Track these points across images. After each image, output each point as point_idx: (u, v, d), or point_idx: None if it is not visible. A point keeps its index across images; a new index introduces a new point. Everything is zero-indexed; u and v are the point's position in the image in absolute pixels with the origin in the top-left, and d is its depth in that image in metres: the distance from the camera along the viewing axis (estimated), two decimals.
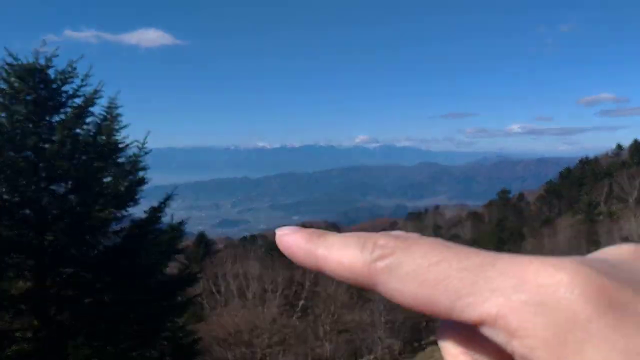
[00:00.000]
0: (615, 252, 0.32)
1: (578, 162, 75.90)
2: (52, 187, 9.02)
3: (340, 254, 0.32)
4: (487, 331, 0.29)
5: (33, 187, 8.68)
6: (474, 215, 75.92)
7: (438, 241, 0.31)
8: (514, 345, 0.28)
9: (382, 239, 0.32)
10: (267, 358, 25.49)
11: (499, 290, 0.28)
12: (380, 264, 0.31)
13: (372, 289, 0.32)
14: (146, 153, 9.72)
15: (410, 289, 0.30)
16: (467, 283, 0.29)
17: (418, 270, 0.30)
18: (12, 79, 8.76)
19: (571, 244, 39.02)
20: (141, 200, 9.78)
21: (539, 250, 41.25)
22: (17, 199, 8.64)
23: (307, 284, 36.91)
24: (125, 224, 9.73)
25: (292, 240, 0.34)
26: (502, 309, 0.28)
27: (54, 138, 8.93)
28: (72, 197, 9.06)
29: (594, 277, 0.28)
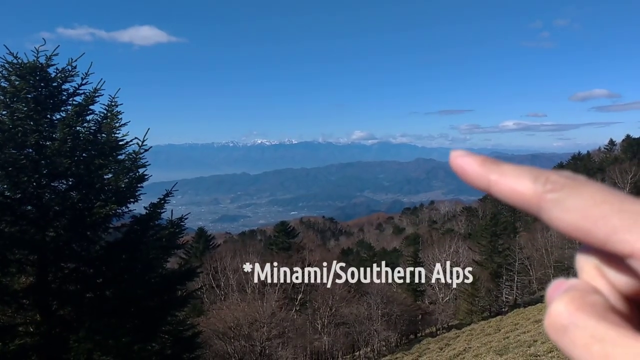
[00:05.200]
0: None
1: (570, 157, 76.00)
2: (54, 184, 9.07)
3: (513, 181, 0.37)
4: (634, 262, 0.34)
5: (34, 184, 8.73)
6: (469, 210, 76.19)
7: (603, 186, 0.36)
8: None
9: (554, 176, 0.37)
10: (266, 351, 25.66)
11: None
12: (550, 196, 0.36)
13: (536, 214, 0.37)
14: (146, 150, 9.74)
15: (572, 220, 0.35)
16: (625, 223, 0.34)
17: (583, 206, 0.35)
18: (13, 77, 8.82)
19: (563, 238, 39.26)
20: (141, 197, 9.84)
21: (532, 244, 41.57)
22: (19, 195, 8.70)
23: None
24: (126, 220, 9.81)
25: (465, 162, 0.39)
26: None
27: (55, 136, 8.98)
28: (73, 193, 9.11)
29: None
